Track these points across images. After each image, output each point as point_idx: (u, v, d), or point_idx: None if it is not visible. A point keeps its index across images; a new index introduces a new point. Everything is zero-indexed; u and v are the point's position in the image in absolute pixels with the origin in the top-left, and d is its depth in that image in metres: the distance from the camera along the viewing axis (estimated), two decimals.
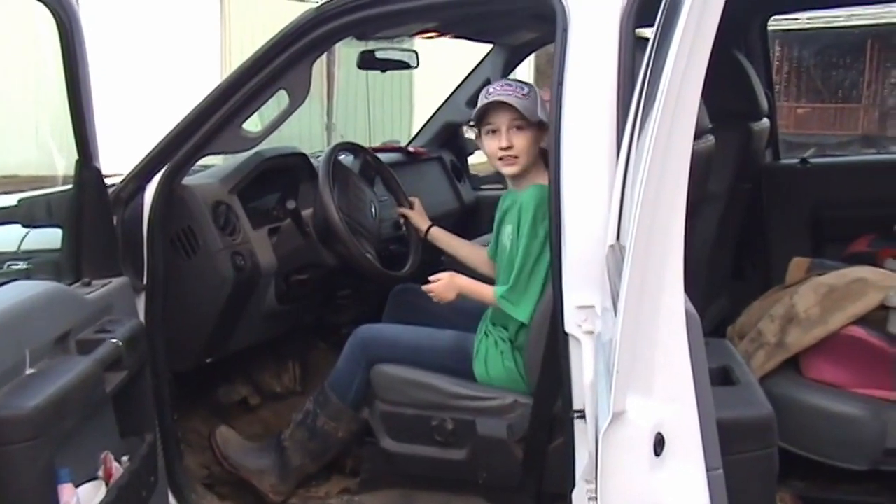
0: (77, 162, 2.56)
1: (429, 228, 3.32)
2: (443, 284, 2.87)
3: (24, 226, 2.81)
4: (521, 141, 2.79)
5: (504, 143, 2.79)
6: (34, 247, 2.88)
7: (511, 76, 4.45)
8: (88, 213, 2.57)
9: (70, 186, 2.63)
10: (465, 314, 3.01)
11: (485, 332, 2.89)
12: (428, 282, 2.92)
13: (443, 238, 3.30)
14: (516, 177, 2.87)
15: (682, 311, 1.48)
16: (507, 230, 2.85)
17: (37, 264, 2.75)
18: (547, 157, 2.79)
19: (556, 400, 2.48)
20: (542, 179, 2.75)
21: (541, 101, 2.83)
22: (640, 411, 1.49)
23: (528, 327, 2.74)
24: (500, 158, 2.82)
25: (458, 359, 2.88)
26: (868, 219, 3.83)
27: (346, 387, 2.97)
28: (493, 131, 2.82)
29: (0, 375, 1.94)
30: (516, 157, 2.80)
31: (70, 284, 2.50)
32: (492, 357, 2.83)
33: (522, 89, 2.80)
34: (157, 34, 12.26)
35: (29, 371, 2.04)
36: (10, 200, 2.77)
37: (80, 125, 2.51)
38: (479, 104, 2.82)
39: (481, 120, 2.84)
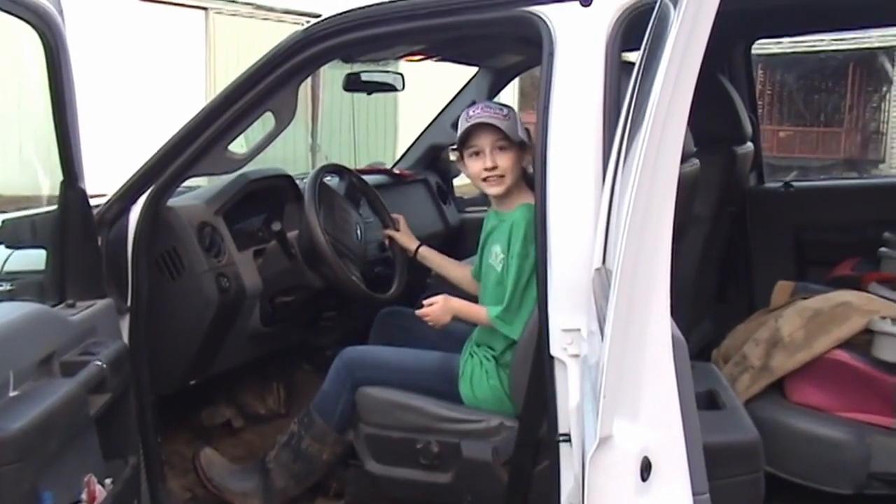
0: (62, 182, 2.55)
1: (418, 248, 3.32)
2: (438, 308, 2.86)
3: (8, 247, 2.79)
4: (504, 161, 2.80)
5: (489, 164, 2.80)
6: (16, 268, 2.86)
7: (496, 99, 4.47)
8: (73, 234, 2.55)
9: (54, 207, 2.61)
10: (452, 337, 3.00)
11: (470, 353, 2.88)
12: (419, 305, 2.91)
13: (432, 258, 3.30)
14: (502, 196, 2.88)
15: (668, 336, 1.48)
16: (495, 250, 2.85)
17: (20, 286, 2.72)
18: (529, 177, 2.83)
19: (541, 423, 2.48)
20: (529, 199, 2.78)
21: (520, 122, 2.85)
22: (626, 435, 1.49)
23: (514, 346, 2.74)
24: (485, 179, 2.83)
25: (444, 380, 2.87)
26: (852, 242, 3.84)
27: (331, 408, 2.96)
28: (477, 153, 2.83)
29: None
30: (501, 176, 2.81)
31: (54, 306, 2.48)
32: (477, 377, 2.82)
33: (503, 110, 2.82)
34: (142, 54, 12.26)
35: (13, 393, 2.02)
36: None
37: (65, 145, 2.49)
38: (461, 127, 2.83)
39: (464, 143, 2.85)
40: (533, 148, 2.82)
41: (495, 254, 2.85)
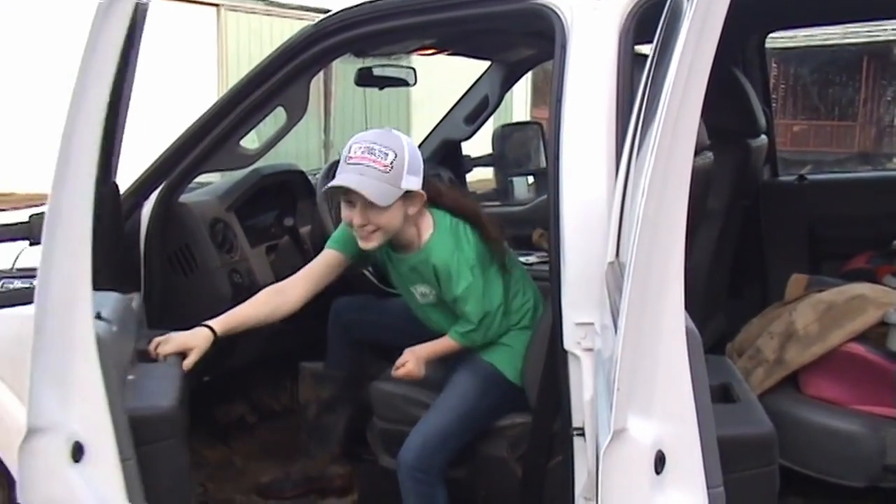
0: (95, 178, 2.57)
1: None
2: (412, 365, 2.70)
3: (34, 242, 2.76)
4: (380, 218, 2.53)
5: (359, 221, 2.54)
6: (30, 265, 2.85)
7: (508, 93, 4.47)
8: (107, 229, 2.56)
9: None
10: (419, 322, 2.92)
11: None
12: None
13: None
14: (396, 238, 2.66)
15: (682, 329, 1.47)
16: (421, 289, 2.75)
17: None
18: (433, 200, 2.66)
19: (555, 418, 2.48)
20: (429, 227, 2.63)
21: (409, 165, 2.53)
22: (640, 429, 1.49)
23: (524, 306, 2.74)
24: (357, 232, 2.60)
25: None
26: (866, 236, 3.82)
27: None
28: (349, 202, 2.56)
29: (116, 380, 2.00)
30: (374, 231, 2.56)
31: None
32: (502, 351, 2.75)
33: (385, 157, 2.49)
34: (154, 51, 12.25)
35: (129, 377, 2.15)
36: (16, 217, 2.73)
37: (109, 141, 2.49)
38: (333, 177, 2.61)
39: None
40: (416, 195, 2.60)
41: (422, 293, 2.75)
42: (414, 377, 2.71)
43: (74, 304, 1.93)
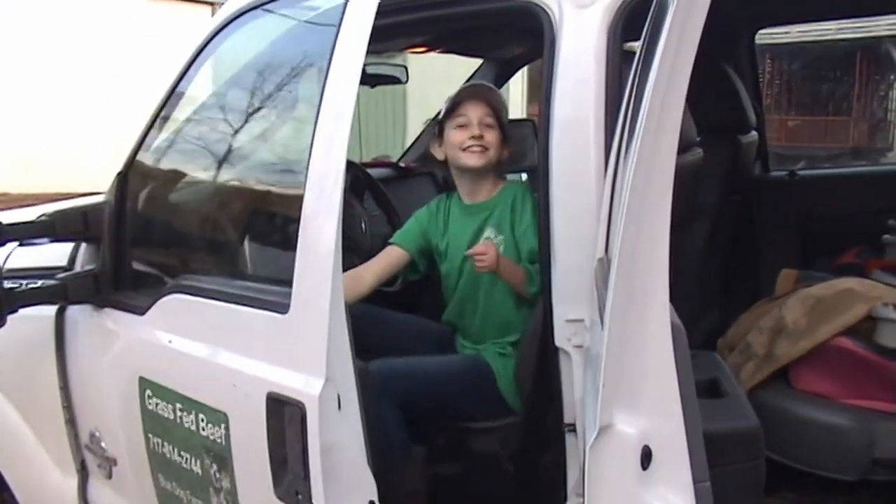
0: (119, 174, 2.60)
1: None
2: (494, 254, 2.65)
3: (52, 240, 2.74)
4: (491, 136, 2.78)
5: (476, 132, 2.77)
6: (22, 265, 2.85)
7: (505, 90, 4.48)
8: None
9: (100, 199, 2.64)
10: (423, 338, 2.95)
11: (492, 350, 2.79)
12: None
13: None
14: (480, 176, 2.83)
15: (668, 324, 1.48)
16: (490, 233, 2.80)
17: (71, 281, 2.62)
18: (500, 173, 2.85)
19: (547, 414, 2.48)
20: (502, 183, 2.83)
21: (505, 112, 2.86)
22: (626, 424, 1.50)
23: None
24: (466, 149, 2.78)
25: (482, 381, 2.76)
26: (856, 230, 3.84)
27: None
28: (463, 125, 2.80)
29: None
30: (486, 148, 2.78)
31: None
32: (509, 372, 2.72)
33: (496, 93, 2.85)
34: (149, 50, 12.27)
35: None
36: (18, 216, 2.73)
37: (141, 137, 2.59)
38: (448, 99, 2.84)
39: (450, 114, 2.82)
40: (511, 146, 2.87)
41: (488, 237, 2.79)
42: (487, 264, 2.64)
43: None
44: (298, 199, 1.91)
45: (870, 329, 2.83)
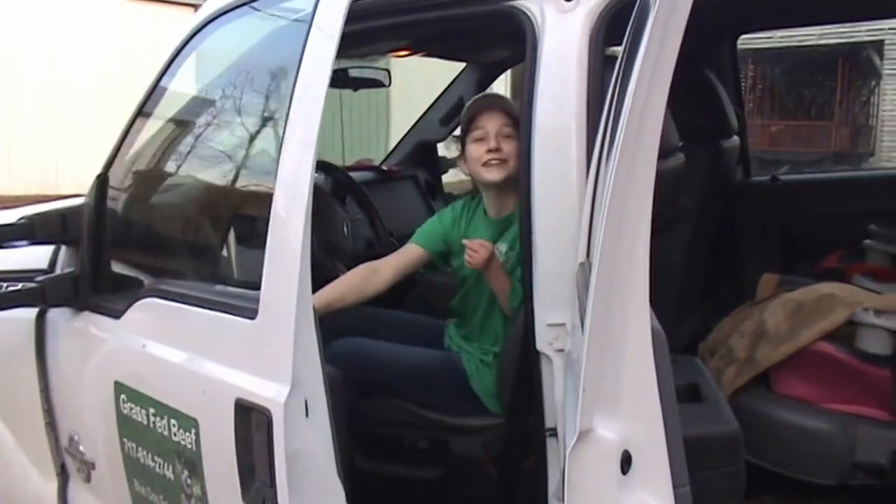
0: (98, 176, 2.57)
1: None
2: (486, 253, 2.68)
3: (32, 243, 2.72)
4: (509, 147, 2.69)
5: (493, 145, 2.70)
6: (1, 267, 2.84)
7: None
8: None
9: (79, 202, 2.62)
10: (420, 333, 2.95)
11: (466, 351, 2.80)
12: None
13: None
14: (502, 191, 2.76)
15: (647, 328, 1.48)
16: (503, 247, 2.76)
17: (49, 284, 2.59)
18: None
19: (529, 418, 2.48)
20: None
21: None
22: (606, 429, 1.50)
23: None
24: (486, 163, 2.72)
25: (453, 377, 2.77)
26: (838, 235, 3.85)
27: None
28: (481, 138, 2.73)
29: None
30: (504, 161, 2.70)
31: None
32: (483, 373, 2.74)
33: (510, 102, 2.78)
34: (132, 52, 12.23)
35: None
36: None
37: (120, 140, 2.57)
38: (467, 110, 2.79)
39: (468, 126, 2.77)
40: None
41: (500, 250, 2.76)
42: (477, 262, 2.68)
43: None
44: (270, 202, 1.89)
45: (850, 334, 2.84)
